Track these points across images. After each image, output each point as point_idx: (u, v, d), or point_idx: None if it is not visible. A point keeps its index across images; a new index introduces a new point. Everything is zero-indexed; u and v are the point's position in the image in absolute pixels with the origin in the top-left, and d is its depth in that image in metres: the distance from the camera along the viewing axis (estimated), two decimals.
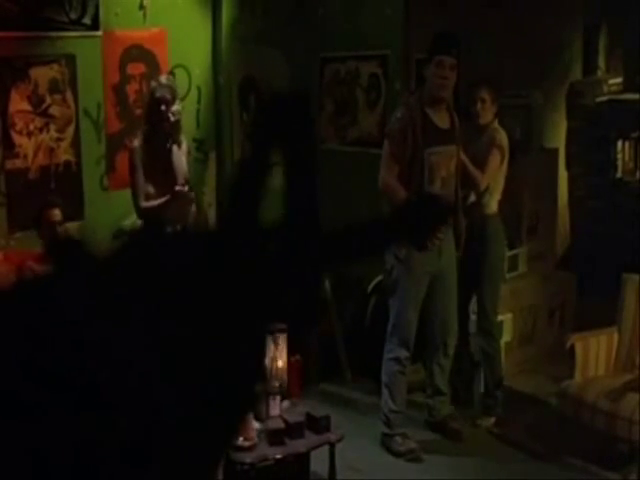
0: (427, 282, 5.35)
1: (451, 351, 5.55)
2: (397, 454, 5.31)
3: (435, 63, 5.19)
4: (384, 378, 5.45)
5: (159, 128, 5.05)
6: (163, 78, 5.21)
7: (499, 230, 5.95)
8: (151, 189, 5.08)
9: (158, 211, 5.06)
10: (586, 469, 5.13)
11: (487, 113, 5.88)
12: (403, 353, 5.37)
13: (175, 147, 5.14)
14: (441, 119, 5.32)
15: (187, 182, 5.18)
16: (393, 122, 5.34)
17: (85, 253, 0.97)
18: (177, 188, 5.04)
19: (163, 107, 5.04)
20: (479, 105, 5.81)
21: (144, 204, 5.08)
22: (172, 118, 5.06)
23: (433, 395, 5.63)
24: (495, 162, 5.89)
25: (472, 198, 5.80)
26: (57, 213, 5.54)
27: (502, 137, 6.01)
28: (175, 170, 5.10)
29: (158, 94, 5.05)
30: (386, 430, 5.38)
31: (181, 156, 5.17)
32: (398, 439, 5.36)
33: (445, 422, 5.60)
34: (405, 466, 5.22)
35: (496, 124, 5.94)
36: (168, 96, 5.06)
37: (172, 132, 5.08)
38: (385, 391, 5.42)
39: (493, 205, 5.88)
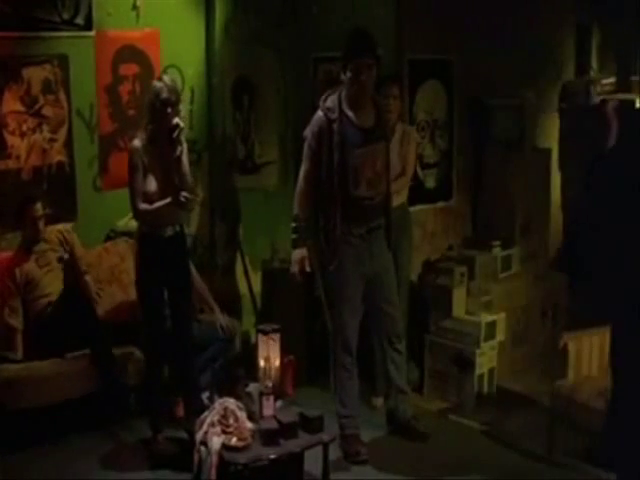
0: (362, 286, 5.26)
1: (400, 346, 5.44)
2: (345, 456, 5.26)
3: (352, 67, 5.03)
4: (333, 386, 5.38)
5: (164, 129, 4.99)
6: (167, 79, 5.13)
7: (408, 218, 6.06)
8: (151, 190, 5.02)
9: (156, 213, 5.04)
10: (579, 468, 5.14)
11: (397, 109, 5.94)
12: (347, 359, 5.29)
13: (184, 152, 5.08)
14: (364, 118, 5.16)
15: (192, 188, 5.15)
16: (310, 126, 5.20)
17: None
18: (184, 195, 4.99)
19: (169, 109, 4.99)
20: (391, 101, 5.82)
21: (142, 206, 5.03)
22: (178, 120, 5.00)
23: (394, 395, 5.54)
24: (415, 159, 6.10)
25: None
26: (38, 208, 5.56)
27: (414, 132, 6.26)
28: (183, 176, 5.05)
29: (164, 95, 4.96)
30: (340, 432, 5.29)
31: (187, 161, 5.13)
32: (348, 441, 5.31)
33: (409, 424, 5.51)
34: (400, 464, 5.23)
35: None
36: (174, 98, 5.01)
37: (179, 135, 5.00)
38: (336, 398, 5.34)
39: (404, 195, 6.00)
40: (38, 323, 5.51)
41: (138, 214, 5.10)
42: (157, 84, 5.04)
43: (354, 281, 5.23)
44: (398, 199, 5.87)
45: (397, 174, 5.80)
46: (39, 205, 5.57)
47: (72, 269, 5.73)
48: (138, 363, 5.51)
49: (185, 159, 5.09)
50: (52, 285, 5.64)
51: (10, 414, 5.18)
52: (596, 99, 7.67)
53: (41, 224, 5.59)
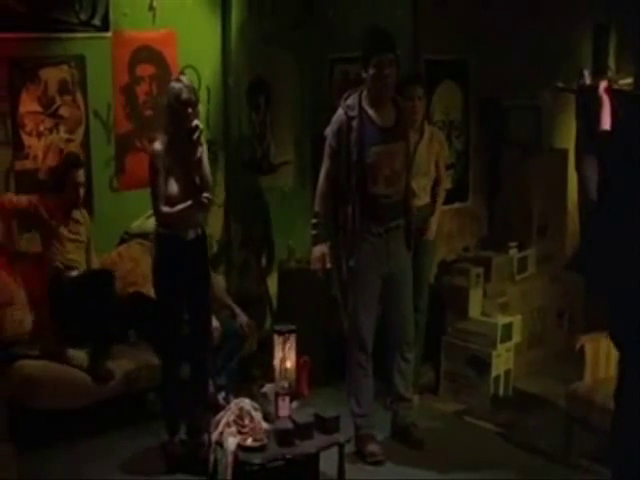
0: (379, 285, 5.26)
1: (409, 355, 5.43)
2: (361, 456, 5.25)
3: (374, 63, 5.04)
4: (348, 385, 5.38)
5: (185, 131, 4.94)
6: (185, 79, 5.09)
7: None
8: (172, 192, 4.97)
9: (178, 216, 5.00)
10: (595, 470, 5.12)
11: (422, 109, 5.96)
12: (362, 357, 5.29)
13: (205, 153, 5.05)
14: (384, 117, 5.19)
15: (211, 189, 5.14)
16: (330, 124, 5.23)
17: None
18: (206, 196, 4.99)
19: (190, 110, 4.93)
20: (416, 102, 5.84)
21: (165, 209, 4.98)
22: (197, 122, 4.95)
23: (396, 401, 5.51)
24: (445, 161, 6.15)
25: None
26: (81, 174, 5.63)
27: (441, 134, 6.30)
28: (204, 177, 5.03)
29: (185, 96, 4.91)
30: (355, 432, 5.27)
31: (207, 162, 5.11)
32: (363, 440, 5.30)
33: (408, 430, 5.48)
34: (415, 465, 5.22)
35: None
36: (194, 98, 4.96)
37: (199, 136, 4.95)
38: (351, 397, 5.34)
39: (425, 197, 6.02)
40: (56, 286, 5.53)
41: (161, 217, 5.05)
42: (176, 85, 4.99)
43: (371, 278, 5.23)
44: (423, 199, 5.94)
45: (433, 180, 6.02)
46: (82, 171, 5.62)
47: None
48: (154, 366, 5.52)
49: (205, 160, 5.08)
50: (77, 255, 5.67)
51: (28, 413, 5.20)
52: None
53: (82, 191, 5.64)
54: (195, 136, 4.95)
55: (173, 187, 4.99)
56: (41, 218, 5.57)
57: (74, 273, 5.60)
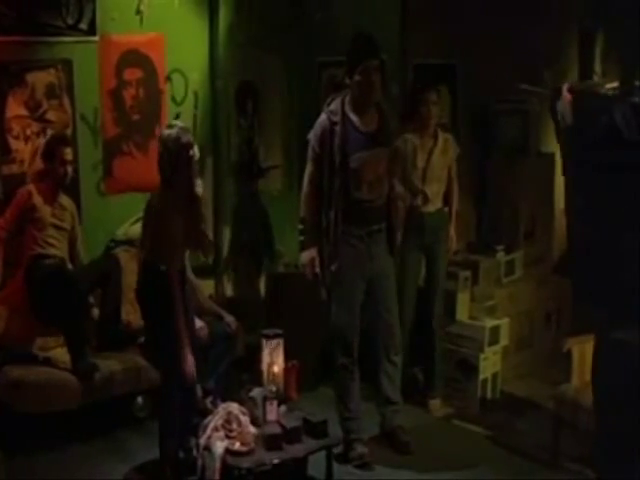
0: (362, 287, 5.27)
1: (395, 357, 5.43)
2: (347, 460, 5.24)
3: (360, 70, 5.04)
4: (335, 387, 5.39)
5: (186, 174, 4.79)
6: (177, 122, 4.99)
7: (444, 223, 6.13)
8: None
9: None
10: (583, 472, 5.13)
11: (437, 115, 5.99)
12: (347, 360, 5.30)
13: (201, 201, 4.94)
14: (367, 123, 5.19)
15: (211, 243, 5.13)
16: (313, 129, 5.23)
17: None
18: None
19: (191, 152, 4.79)
20: (431, 107, 5.89)
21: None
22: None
23: (384, 404, 5.50)
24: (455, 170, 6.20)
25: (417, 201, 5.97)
26: (68, 152, 5.61)
27: (453, 140, 6.25)
28: (205, 234, 4.98)
29: (185, 139, 4.76)
30: (343, 435, 5.27)
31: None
32: (351, 444, 5.29)
33: (395, 433, 5.49)
34: (404, 468, 5.22)
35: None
36: (192, 138, 4.84)
37: (195, 176, 4.84)
38: (338, 400, 5.35)
39: (437, 202, 6.08)
40: (32, 273, 5.52)
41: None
42: (172, 131, 4.80)
43: (353, 281, 5.24)
44: (436, 205, 6.03)
45: (445, 186, 6.09)
46: (70, 149, 5.62)
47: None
48: (141, 368, 5.52)
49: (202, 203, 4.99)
50: (57, 241, 5.64)
51: (17, 416, 5.19)
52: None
53: (69, 169, 5.62)
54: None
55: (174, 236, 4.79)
56: (34, 206, 5.55)
57: (49, 261, 5.58)
